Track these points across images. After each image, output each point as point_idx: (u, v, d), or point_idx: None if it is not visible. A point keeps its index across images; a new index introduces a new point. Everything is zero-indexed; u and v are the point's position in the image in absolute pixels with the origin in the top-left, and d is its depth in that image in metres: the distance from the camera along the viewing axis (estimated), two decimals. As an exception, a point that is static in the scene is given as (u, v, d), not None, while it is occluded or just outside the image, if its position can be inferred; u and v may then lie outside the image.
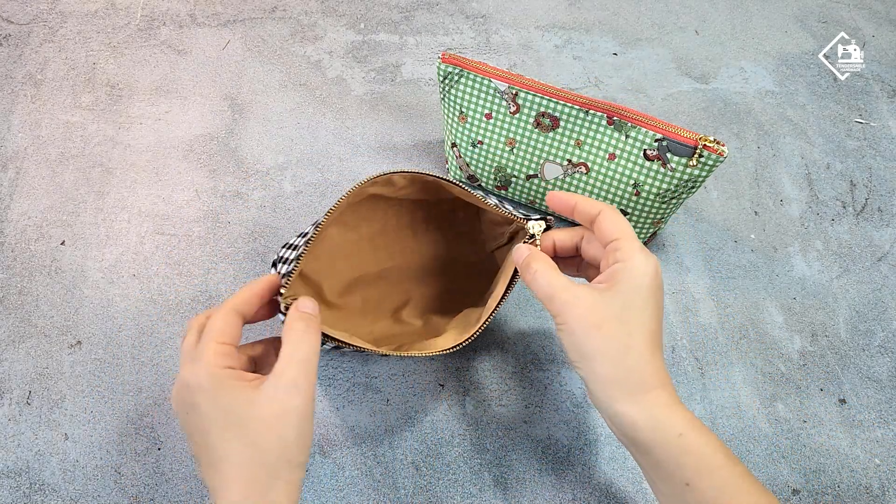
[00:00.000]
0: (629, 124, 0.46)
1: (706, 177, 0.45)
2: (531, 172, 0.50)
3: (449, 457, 0.43)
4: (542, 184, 0.50)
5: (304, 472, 0.32)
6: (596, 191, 0.48)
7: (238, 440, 0.30)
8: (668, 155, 0.45)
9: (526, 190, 0.51)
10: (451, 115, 0.50)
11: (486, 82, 0.47)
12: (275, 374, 0.31)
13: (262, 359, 0.37)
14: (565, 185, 0.49)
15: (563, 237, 0.38)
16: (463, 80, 0.48)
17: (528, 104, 0.47)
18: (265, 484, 0.30)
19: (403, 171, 0.39)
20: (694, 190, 0.47)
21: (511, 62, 0.65)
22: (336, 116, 0.60)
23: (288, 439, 0.30)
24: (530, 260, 0.35)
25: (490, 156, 0.51)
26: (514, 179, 0.51)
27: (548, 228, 0.38)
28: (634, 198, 0.47)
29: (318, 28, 0.66)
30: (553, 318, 0.34)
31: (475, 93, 0.48)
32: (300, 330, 0.32)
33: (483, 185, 0.54)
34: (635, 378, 0.33)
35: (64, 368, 0.45)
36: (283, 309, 0.34)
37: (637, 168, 0.46)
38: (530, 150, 0.49)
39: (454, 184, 0.40)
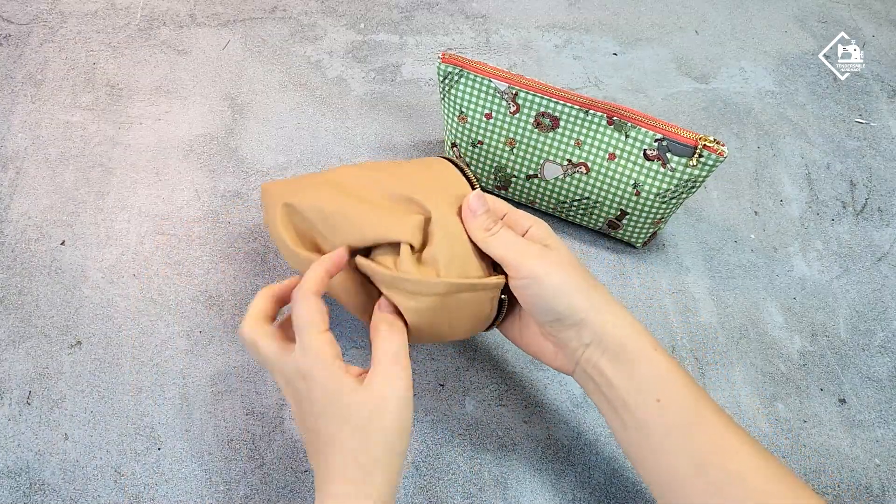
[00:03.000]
0: (629, 124, 0.46)
1: (706, 177, 0.45)
2: (531, 172, 0.50)
3: (449, 456, 0.43)
4: (543, 184, 0.50)
5: (404, 460, 0.34)
6: (596, 191, 0.48)
7: (345, 428, 0.31)
8: (668, 155, 0.45)
9: (526, 190, 0.51)
10: (451, 115, 0.50)
11: (486, 82, 0.47)
12: (374, 368, 0.33)
13: None
14: (565, 185, 0.49)
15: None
16: (463, 80, 0.48)
17: (527, 104, 0.47)
18: (368, 470, 0.31)
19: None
20: (694, 190, 0.47)
21: (511, 62, 0.65)
22: (336, 116, 0.60)
23: (389, 427, 0.31)
24: (486, 219, 0.36)
25: (490, 156, 0.51)
26: (514, 179, 0.51)
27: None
28: (634, 198, 0.47)
29: (318, 28, 0.66)
30: (517, 282, 0.35)
31: (475, 93, 0.48)
32: (385, 330, 0.34)
33: (483, 185, 0.54)
34: (611, 300, 0.36)
35: (64, 368, 0.45)
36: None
37: (637, 168, 0.46)
38: (530, 150, 0.49)
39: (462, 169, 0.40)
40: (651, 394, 0.33)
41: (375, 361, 0.33)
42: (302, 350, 0.33)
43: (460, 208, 0.38)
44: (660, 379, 0.33)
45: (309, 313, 0.33)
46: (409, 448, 0.44)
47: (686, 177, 0.45)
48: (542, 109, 0.47)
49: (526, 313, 0.38)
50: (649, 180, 0.46)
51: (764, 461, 0.31)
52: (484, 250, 0.36)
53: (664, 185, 0.46)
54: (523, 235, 0.38)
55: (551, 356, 0.38)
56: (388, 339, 0.34)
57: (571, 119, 0.47)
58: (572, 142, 0.48)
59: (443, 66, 0.48)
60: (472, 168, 0.53)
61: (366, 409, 0.31)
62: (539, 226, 0.38)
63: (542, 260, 0.35)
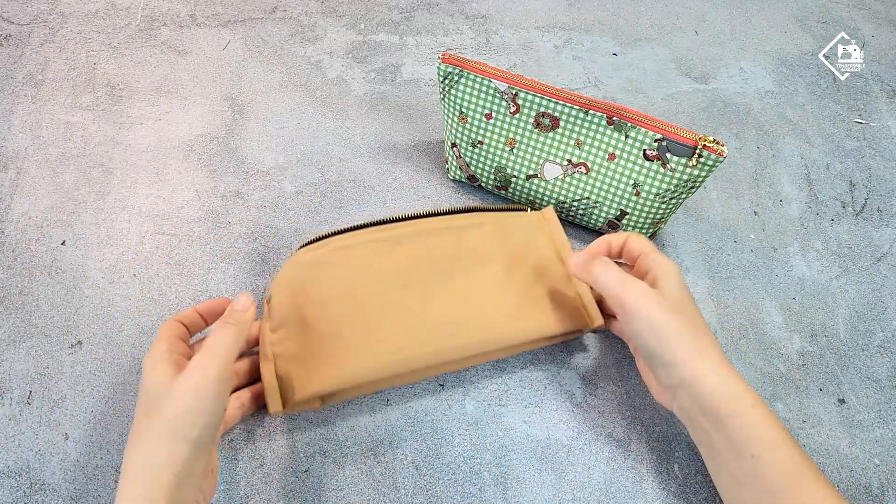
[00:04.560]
0: (629, 124, 0.46)
1: (706, 177, 0.45)
2: (531, 172, 0.50)
3: (449, 457, 0.43)
4: (542, 184, 0.50)
5: (205, 452, 0.35)
6: (596, 191, 0.49)
7: (140, 411, 0.35)
8: (668, 155, 0.45)
9: (526, 190, 0.51)
10: (451, 116, 0.51)
11: (486, 82, 0.48)
12: (188, 369, 0.35)
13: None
14: (565, 185, 0.49)
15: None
16: (463, 80, 0.48)
17: (527, 104, 0.47)
18: (147, 451, 0.33)
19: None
20: (694, 190, 0.47)
21: (511, 62, 0.65)
22: (336, 116, 0.60)
23: (178, 412, 0.33)
24: (592, 262, 0.40)
25: (490, 156, 0.51)
26: (514, 179, 0.51)
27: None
28: (634, 198, 0.47)
29: (319, 28, 0.66)
30: (618, 310, 0.38)
31: (475, 93, 0.48)
32: (217, 328, 0.37)
33: (483, 185, 0.54)
34: (715, 353, 0.36)
35: (64, 368, 0.45)
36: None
37: (637, 168, 0.46)
38: (530, 150, 0.49)
39: None
40: (745, 449, 0.34)
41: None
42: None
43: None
44: (754, 438, 0.34)
45: (163, 328, 0.38)
46: (410, 448, 0.44)
47: (686, 177, 0.45)
48: (542, 109, 0.47)
49: None
50: (649, 180, 0.46)
51: None
52: (591, 283, 0.40)
53: (664, 186, 0.46)
54: (619, 250, 0.43)
55: (655, 388, 0.41)
56: (215, 335, 0.36)
57: (571, 119, 0.47)
58: (572, 142, 0.48)
59: (443, 67, 0.48)
60: (473, 168, 0.53)
61: (159, 394, 0.34)
62: (633, 237, 0.42)
63: (638, 297, 0.37)
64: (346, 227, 0.46)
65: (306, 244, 0.46)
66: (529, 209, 0.50)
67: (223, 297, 0.46)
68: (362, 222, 0.46)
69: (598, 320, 0.43)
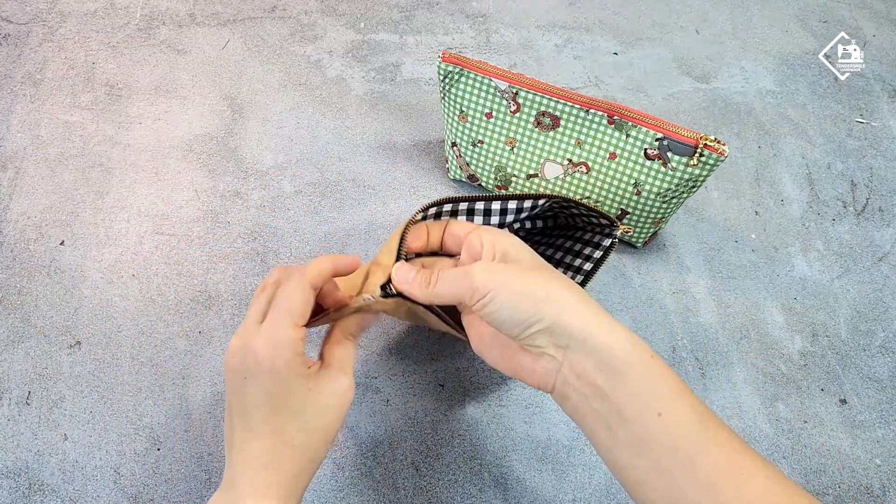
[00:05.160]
0: (630, 123, 0.45)
1: (707, 176, 0.45)
2: (531, 172, 0.50)
3: (449, 457, 0.43)
4: (543, 183, 0.50)
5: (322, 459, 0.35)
6: (597, 190, 0.48)
7: (287, 422, 0.33)
8: (669, 154, 0.45)
9: (526, 189, 0.51)
10: (451, 115, 0.50)
11: (486, 81, 0.47)
12: (334, 372, 0.34)
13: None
14: (566, 185, 0.49)
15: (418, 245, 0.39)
16: (463, 79, 0.48)
17: (528, 103, 0.47)
18: (297, 460, 0.33)
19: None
20: (694, 189, 0.47)
21: (511, 61, 0.65)
22: (336, 116, 0.60)
23: (332, 427, 0.34)
24: (422, 277, 0.35)
25: (490, 155, 0.50)
26: (514, 179, 0.51)
27: (386, 290, 0.37)
28: (635, 197, 0.47)
29: (318, 28, 0.66)
30: (475, 305, 0.32)
31: (475, 92, 0.48)
32: (339, 338, 0.36)
33: (483, 184, 0.54)
34: (594, 306, 0.32)
35: (63, 369, 0.45)
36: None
37: (638, 167, 0.46)
38: (531, 149, 0.49)
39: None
40: (651, 406, 0.30)
41: (327, 365, 0.34)
42: (269, 333, 0.32)
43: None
44: (659, 390, 0.30)
45: (295, 300, 0.33)
46: (409, 448, 0.44)
47: (687, 176, 0.45)
48: (543, 108, 0.47)
49: (497, 335, 0.36)
50: (650, 180, 0.46)
51: (781, 486, 0.29)
52: (438, 303, 0.35)
53: (665, 185, 0.46)
54: (482, 250, 0.36)
55: (529, 369, 0.34)
56: (342, 347, 0.35)
57: (572, 118, 0.47)
58: (573, 141, 0.48)
59: (443, 66, 0.48)
60: (473, 167, 0.52)
61: (316, 406, 0.33)
62: (494, 242, 0.35)
63: (487, 273, 0.32)
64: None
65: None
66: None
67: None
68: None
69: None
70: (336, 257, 0.35)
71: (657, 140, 0.45)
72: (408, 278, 0.35)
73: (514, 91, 0.47)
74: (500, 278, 0.32)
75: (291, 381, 0.32)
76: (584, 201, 0.44)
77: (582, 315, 0.31)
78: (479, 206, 0.41)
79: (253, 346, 0.32)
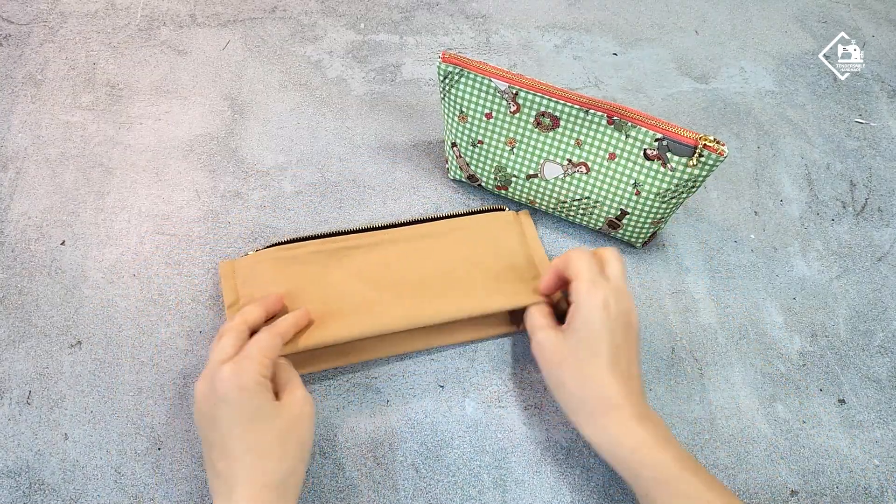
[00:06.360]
0: (629, 124, 0.46)
1: (706, 176, 0.45)
2: (531, 172, 0.50)
3: (448, 458, 0.43)
4: (543, 183, 0.50)
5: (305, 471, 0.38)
6: (596, 190, 0.48)
7: (261, 436, 0.35)
8: (669, 154, 0.45)
9: (526, 190, 0.51)
10: (451, 115, 0.50)
11: (486, 82, 0.47)
12: (289, 389, 0.38)
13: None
14: (565, 185, 0.49)
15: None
16: (463, 79, 0.48)
17: (528, 104, 0.47)
18: (283, 477, 0.35)
19: None
20: (694, 190, 0.47)
21: (511, 62, 0.65)
22: (336, 116, 0.60)
23: (304, 438, 0.37)
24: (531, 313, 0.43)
25: (490, 155, 0.51)
26: (514, 179, 0.51)
27: None
28: (635, 197, 0.47)
29: (318, 28, 0.66)
30: None
31: (475, 92, 0.48)
32: (285, 364, 0.40)
33: (483, 184, 0.54)
34: (591, 405, 0.38)
35: (64, 368, 0.45)
36: None
37: (637, 168, 0.46)
38: (530, 149, 0.49)
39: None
40: (642, 493, 0.36)
41: (292, 385, 0.38)
42: (235, 362, 0.36)
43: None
44: (643, 480, 0.36)
45: (263, 342, 0.38)
46: (409, 449, 0.44)
47: (686, 176, 0.45)
48: (543, 109, 0.47)
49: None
50: (649, 180, 0.46)
51: None
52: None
53: (664, 185, 0.46)
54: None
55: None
56: (280, 370, 0.39)
57: (572, 119, 0.47)
58: (572, 141, 0.48)
59: (443, 66, 0.48)
60: (473, 168, 0.53)
61: (287, 425, 0.36)
62: (568, 259, 0.42)
63: (536, 342, 0.41)
64: (322, 232, 0.50)
65: (276, 245, 0.49)
66: (507, 209, 0.53)
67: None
68: (339, 229, 0.50)
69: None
70: (297, 315, 0.42)
71: (657, 140, 0.45)
72: (538, 324, 0.42)
73: (514, 91, 0.47)
74: (542, 357, 0.41)
75: (259, 395, 0.35)
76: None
77: (576, 414, 0.39)
78: None
79: (220, 375, 0.35)
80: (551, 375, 0.40)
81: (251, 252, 0.48)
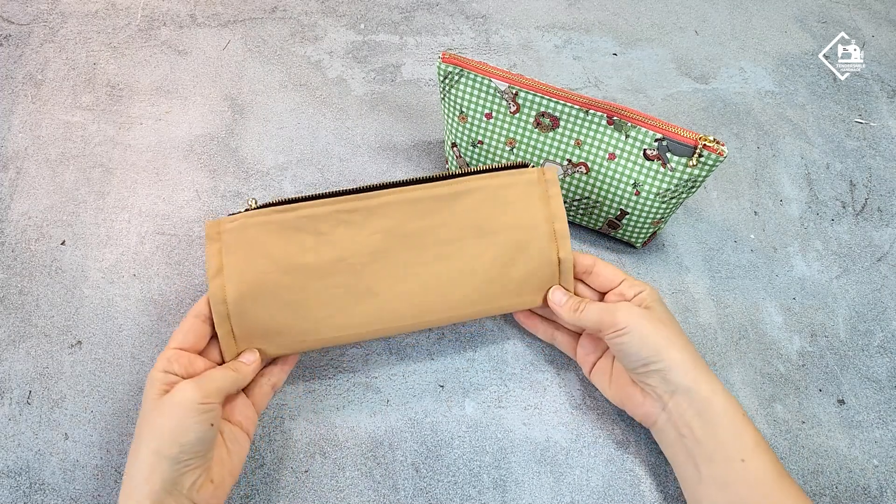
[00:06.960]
0: (629, 124, 0.46)
1: (706, 177, 0.45)
2: (531, 173, 0.50)
3: (448, 458, 0.44)
4: (542, 184, 0.50)
5: (187, 469, 0.35)
6: (596, 191, 0.49)
7: (143, 427, 0.36)
8: (668, 155, 0.45)
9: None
10: (451, 115, 0.51)
11: (486, 82, 0.47)
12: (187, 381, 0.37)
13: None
14: (565, 185, 0.49)
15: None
16: (463, 79, 0.48)
17: (528, 104, 0.47)
18: (136, 468, 0.35)
19: None
20: (694, 190, 0.47)
21: (511, 62, 0.65)
22: (336, 116, 0.60)
23: (161, 431, 0.35)
24: (573, 302, 0.43)
25: (490, 156, 0.51)
26: (513, 180, 0.51)
27: None
28: (634, 197, 0.47)
29: (319, 28, 0.66)
30: (611, 334, 0.40)
31: (475, 92, 0.48)
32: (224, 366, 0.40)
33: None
34: (702, 363, 0.40)
35: (64, 368, 0.45)
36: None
37: (637, 168, 0.46)
38: (530, 149, 0.49)
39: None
40: (737, 453, 0.37)
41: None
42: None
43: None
44: (745, 441, 0.37)
45: (175, 332, 0.40)
46: (409, 449, 0.44)
47: (686, 177, 0.45)
48: (543, 109, 0.47)
49: (617, 363, 0.43)
50: (649, 180, 0.46)
51: None
52: (580, 326, 0.42)
53: (664, 185, 0.46)
54: (587, 275, 0.44)
55: (638, 403, 0.41)
56: (217, 369, 0.39)
57: (571, 119, 0.47)
58: (572, 142, 0.48)
59: (443, 66, 0.48)
60: (473, 168, 0.52)
61: (146, 412, 0.36)
62: (602, 265, 0.44)
63: (629, 314, 0.40)
64: (317, 192, 0.43)
65: (266, 205, 0.42)
66: (531, 164, 0.46)
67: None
68: (336, 189, 0.44)
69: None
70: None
71: (656, 141, 0.45)
72: (560, 301, 0.43)
73: (514, 92, 0.47)
74: (637, 320, 0.39)
75: (151, 389, 0.37)
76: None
77: (691, 368, 0.39)
78: None
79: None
80: (655, 335, 0.39)
81: (240, 212, 0.43)
